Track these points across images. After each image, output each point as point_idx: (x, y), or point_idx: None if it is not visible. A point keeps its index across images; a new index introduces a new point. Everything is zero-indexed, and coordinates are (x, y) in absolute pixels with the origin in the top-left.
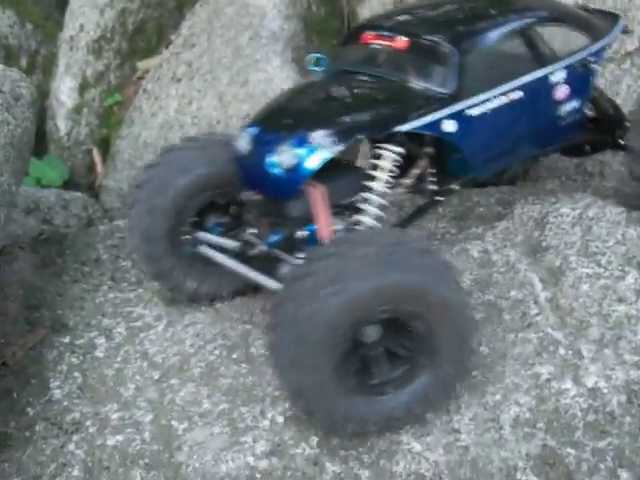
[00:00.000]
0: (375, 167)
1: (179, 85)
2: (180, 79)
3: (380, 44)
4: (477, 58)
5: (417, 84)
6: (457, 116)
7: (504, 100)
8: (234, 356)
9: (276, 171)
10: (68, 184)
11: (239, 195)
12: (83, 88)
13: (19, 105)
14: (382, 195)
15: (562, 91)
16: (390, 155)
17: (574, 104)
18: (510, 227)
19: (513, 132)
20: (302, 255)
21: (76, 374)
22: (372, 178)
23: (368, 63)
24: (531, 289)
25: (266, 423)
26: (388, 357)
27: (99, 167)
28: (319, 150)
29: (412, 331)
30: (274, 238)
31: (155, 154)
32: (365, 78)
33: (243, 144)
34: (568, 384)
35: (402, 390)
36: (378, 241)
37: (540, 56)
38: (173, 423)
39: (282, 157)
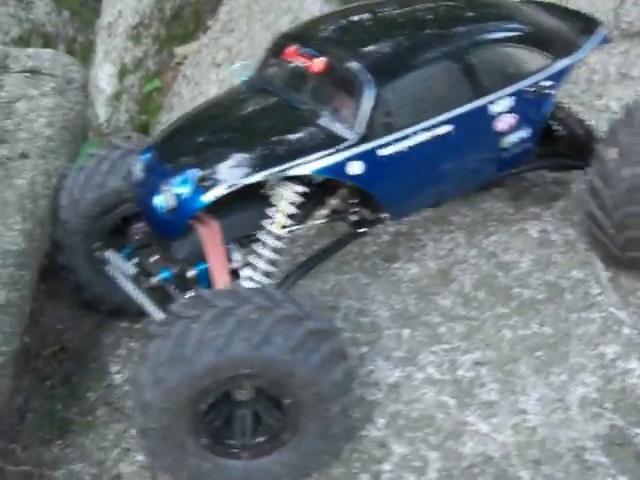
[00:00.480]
0: (274, 205)
1: (219, 70)
2: (220, 64)
3: (299, 63)
4: (398, 90)
5: (326, 116)
6: (366, 157)
7: (427, 136)
8: None
9: (160, 210)
10: None
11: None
12: (122, 74)
13: (71, 89)
14: (277, 237)
15: (506, 121)
16: (289, 195)
17: (522, 134)
18: (568, 206)
19: (441, 169)
20: (187, 295)
21: (135, 358)
22: (270, 217)
23: (284, 84)
24: (592, 268)
25: None
26: (253, 421)
27: None
28: (200, 193)
29: (280, 403)
30: (164, 275)
31: None
32: (277, 102)
33: (137, 170)
34: (634, 364)
35: (259, 459)
36: (236, 307)
37: (478, 84)
38: None
39: (165, 197)
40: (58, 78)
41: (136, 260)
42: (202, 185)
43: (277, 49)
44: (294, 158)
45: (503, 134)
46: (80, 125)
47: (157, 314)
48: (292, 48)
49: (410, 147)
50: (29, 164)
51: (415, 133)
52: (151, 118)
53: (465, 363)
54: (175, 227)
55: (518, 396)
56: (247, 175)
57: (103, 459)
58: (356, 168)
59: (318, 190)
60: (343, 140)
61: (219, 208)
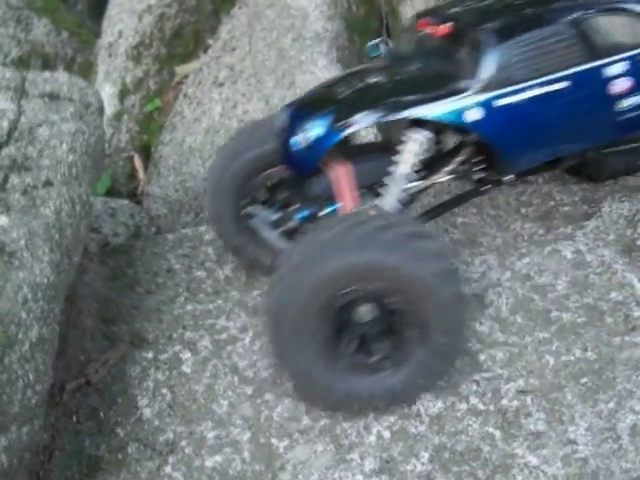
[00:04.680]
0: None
1: (222, 89)
2: (223, 83)
3: (429, 30)
4: (516, 48)
5: (451, 71)
6: (483, 106)
7: (541, 91)
8: None
9: (296, 148)
10: (110, 192)
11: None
12: (123, 94)
13: (89, 113)
14: (404, 180)
15: (621, 84)
16: (415, 141)
17: (637, 99)
18: (600, 226)
19: (555, 124)
20: None
21: (164, 391)
22: (397, 163)
23: (416, 49)
24: (631, 290)
25: (372, 439)
26: (383, 335)
27: (141, 174)
28: (332, 132)
29: (396, 308)
30: (301, 214)
31: (202, 159)
32: (408, 64)
33: (279, 122)
34: None
35: (401, 365)
36: (363, 222)
37: (593, 47)
38: (273, 441)
39: (301, 136)
40: (76, 102)
41: (277, 209)
42: (335, 127)
43: (411, 25)
44: (417, 105)
45: (618, 97)
46: (100, 150)
47: None
48: (425, 20)
49: (525, 100)
50: (54, 192)
51: (530, 87)
52: (152, 138)
53: (509, 392)
54: (309, 163)
55: (566, 426)
56: (375, 119)
57: None
58: (474, 115)
59: (445, 151)
60: (464, 90)
61: (352, 156)
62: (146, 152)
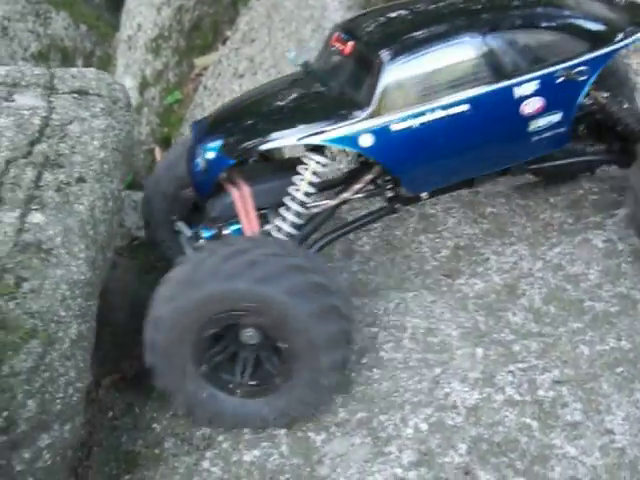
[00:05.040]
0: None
1: (242, 80)
2: (243, 74)
3: (338, 46)
4: (412, 69)
5: (349, 93)
6: (377, 131)
7: (441, 114)
8: (364, 361)
9: (196, 169)
10: (132, 185)
11: None
12: (143, 87)
13: (118, 109)
14: (303, 200)
15: (532, 105)
16: (311, 165)
17: (550, 118)
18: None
19: (458, 147)
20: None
21: None
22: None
23: (324, 66)
24: None
25: (409, 431)
26: (254, 365)
27: None
28: (224, 156)
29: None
30: (206, 234)
31: None
32: (314, 83)
33: (190, 139)
34: None
35: (251, 399)
36: (244, 251)
37: (501, 66)
38: (310, 434)
39: (199, 158)
40: (105, 98)
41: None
42: (225, 151)
43: (329, 37)
44: (312, 129)
45: (530, 117)
46: (129, 146)
47: None
48: (336, 35)
49: (423, 123)
50: (87, 188)
51: (429, 111)
52: (173, 130)
53: (544, 382)
54: (206, 186)
55: (603, 415)
56: (266, 142)
57: None
58: (367, 141)
59: (354, 169)
60: (358, 115)
61: (253, 175)
62: (167, 144)
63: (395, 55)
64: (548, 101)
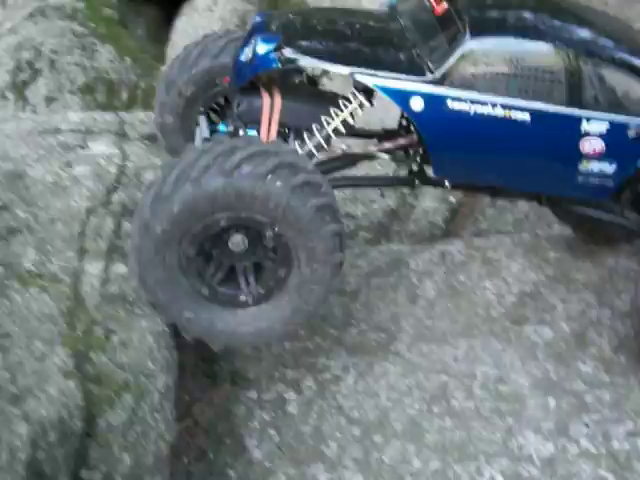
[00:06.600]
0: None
1: None
2: None
3: (431, 3)
4: (494, 53)
5: (423, 50)
6: (432, 100)
7: (500, 113)
8: (435, 410)
9: (241, 58)
10: None
11: None
12: None
13: None
14: (326, 137)
15: (592, 144)
16: (353, 104)
17: (603, 166)
18: None
19: (503, 152)
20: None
21: (271, 432)
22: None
23: (410, 16)
24: None
25: None
26: (251, 271)
27: None
28: (273, 56)
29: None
30: (221, 128)
31: None
32: (392, 28)
33: (247, 27)
34: None
35: (267, 301)
36: (245, 147)
37: (579, 95)
38: None
39: (249, 48)
40: None
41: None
42: (277, 52)
43: None
44: (371, 68)
45: (585, 156)
46: None
47: None
48: None
49: (479, 113)
50: None
51: (491, 103)
52: None
53: (619, 434)
54: (242, 77)
55: None
56: (320, 62)
57: None
58: (418, 105)
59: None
60: (422, 74)
61: (293, 92)
62: None
63: (482, 32)
64: (609, 148)
